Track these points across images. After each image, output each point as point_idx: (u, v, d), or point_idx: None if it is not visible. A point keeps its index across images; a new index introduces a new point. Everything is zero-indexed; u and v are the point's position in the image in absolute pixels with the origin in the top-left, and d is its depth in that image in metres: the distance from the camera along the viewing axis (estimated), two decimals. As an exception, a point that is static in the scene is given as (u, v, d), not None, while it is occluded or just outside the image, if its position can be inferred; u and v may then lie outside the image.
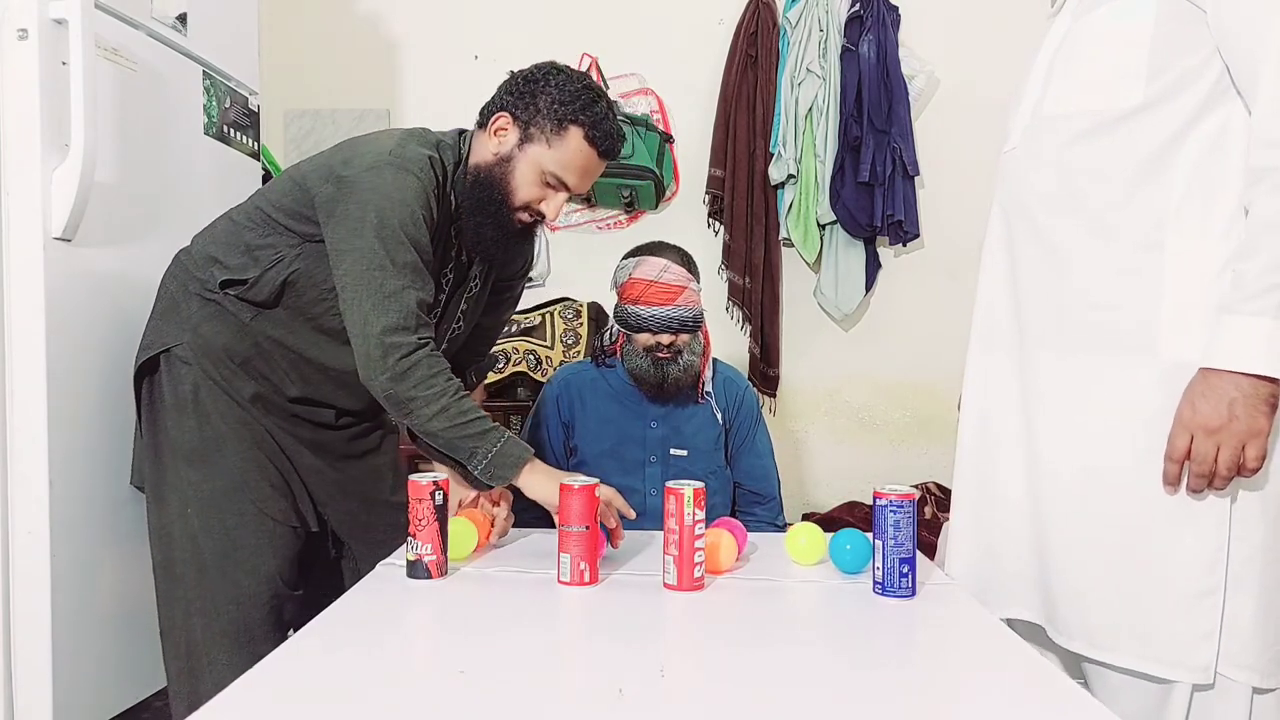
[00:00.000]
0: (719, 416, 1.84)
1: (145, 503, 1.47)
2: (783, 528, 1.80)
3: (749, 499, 1.89)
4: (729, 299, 3.24)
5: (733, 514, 1.85)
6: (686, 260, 1.79)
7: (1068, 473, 1.21)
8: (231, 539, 1.41)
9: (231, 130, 2.03)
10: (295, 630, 1.05)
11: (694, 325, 1.76)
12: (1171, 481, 1.12)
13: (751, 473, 1.88)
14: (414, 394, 1.29)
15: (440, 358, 1.33)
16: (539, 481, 1.32)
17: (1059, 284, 1.22)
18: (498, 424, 1.33)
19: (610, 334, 1.87)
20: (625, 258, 1.83)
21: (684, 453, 1.81)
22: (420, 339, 1.30)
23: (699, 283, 1.79)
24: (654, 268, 1.75)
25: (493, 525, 1.44)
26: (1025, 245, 1.27)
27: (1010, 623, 1.23)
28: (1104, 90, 1.17)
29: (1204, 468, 1.09)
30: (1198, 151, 1.12)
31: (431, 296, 1.35)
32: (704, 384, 1.82)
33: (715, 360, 1.90)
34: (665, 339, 1.74)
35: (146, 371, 1.47)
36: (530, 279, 3.25)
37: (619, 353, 1.83)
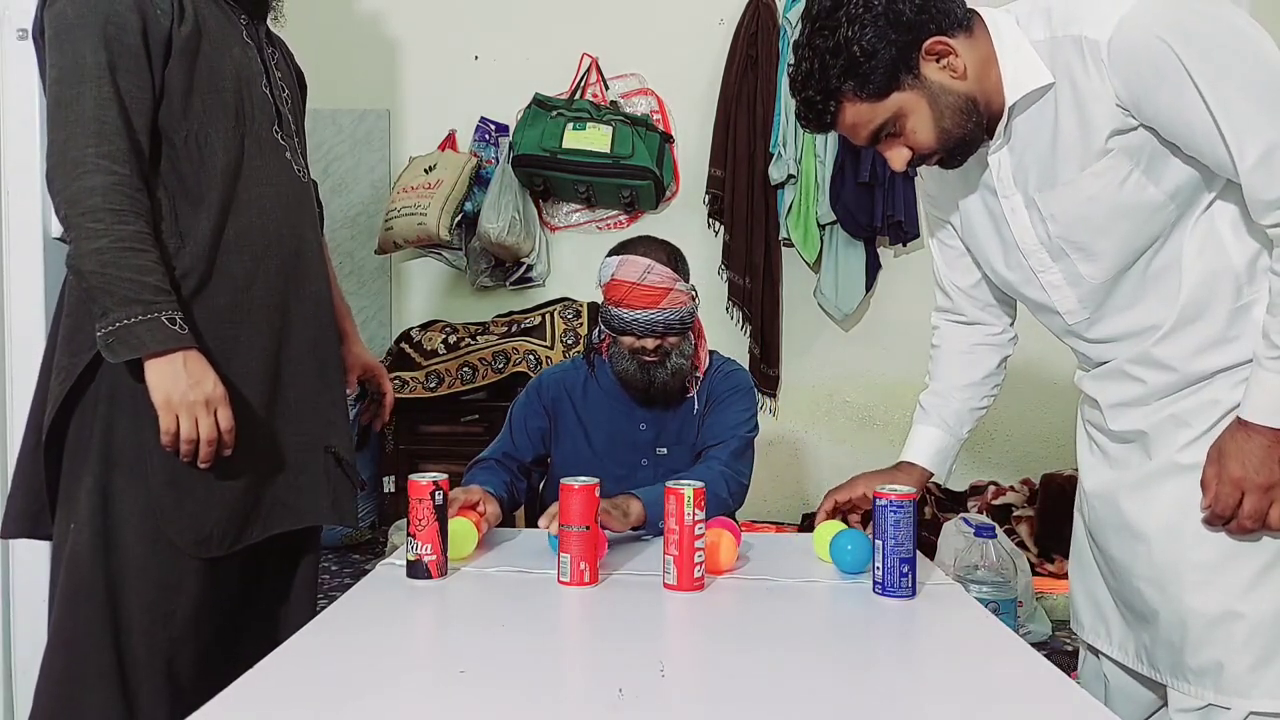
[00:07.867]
0: (697, 406, 1.77)
1: None
2: (735, 480, 1.66)
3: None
4: (729, 299, 3.24)
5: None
6: (673, 257, 1.68)
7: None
8: None
9: (231, 130, 2.01)
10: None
11: (681, 327, 1.66)
12: (1214, 528, 1.12)
13: (712, 428, 1.73)
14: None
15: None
16: (164, 378, 1.15)
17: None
18: (161, 301, 1.16)
19: (598, 332, 1.81)
20: (609, 255, 1.71)
21: (664, 451, 1.75)
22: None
23: (688, 280, 1.69)
24: (636, 268, 1.64)
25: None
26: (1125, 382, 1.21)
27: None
28: (1142, 236, 1.14)
29: (1257, 523, 1.08)
30: (1231, 229, 1.12)
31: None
32: (692, 383, 1.76)
33: (714, 353, 1.84)
34: (650, 343, 1.65)
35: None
36: (527, 269, 3.26)
37: (606, 353, 1.75)
